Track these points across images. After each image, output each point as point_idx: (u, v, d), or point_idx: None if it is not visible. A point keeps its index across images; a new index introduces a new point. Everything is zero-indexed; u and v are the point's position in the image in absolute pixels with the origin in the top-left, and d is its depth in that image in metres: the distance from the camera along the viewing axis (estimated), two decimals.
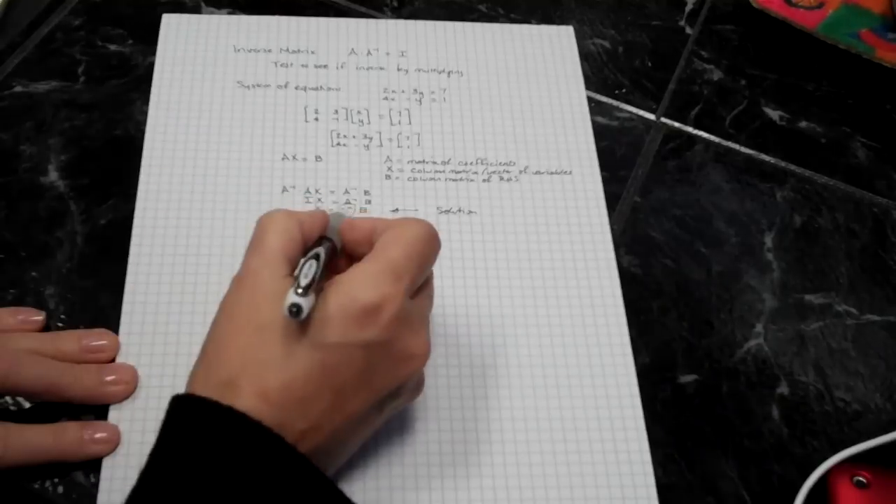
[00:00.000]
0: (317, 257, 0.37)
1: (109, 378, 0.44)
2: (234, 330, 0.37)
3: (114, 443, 0.43)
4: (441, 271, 0.51)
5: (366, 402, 0.38)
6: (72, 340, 0.44)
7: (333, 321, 0.36)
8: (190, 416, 0.35)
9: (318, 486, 0.35)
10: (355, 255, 0.40)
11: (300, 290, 0.34)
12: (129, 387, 0.44)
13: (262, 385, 0.35)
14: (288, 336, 0.36)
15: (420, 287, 0.40)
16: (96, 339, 0.45)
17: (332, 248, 0.39)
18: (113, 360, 0.45)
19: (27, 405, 0.44)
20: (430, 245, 0.39)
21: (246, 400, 0.35)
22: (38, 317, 0.46)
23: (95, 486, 0.42)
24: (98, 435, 0.42)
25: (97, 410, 0.44)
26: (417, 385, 0.42)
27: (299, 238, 0.39)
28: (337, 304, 0.36)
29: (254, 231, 0.40)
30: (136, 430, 0.43)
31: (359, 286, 0.36)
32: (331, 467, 0.40)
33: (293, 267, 0.38)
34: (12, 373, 0.41)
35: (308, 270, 0.36)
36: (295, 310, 0.34)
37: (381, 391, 0.38)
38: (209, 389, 0.35)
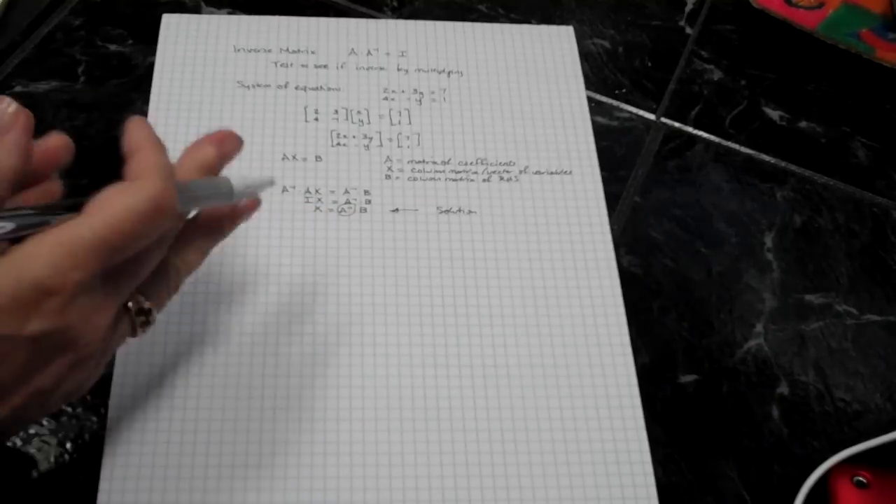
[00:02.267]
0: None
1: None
2: None
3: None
4: (441, 271, 0.51)
5: (32, 399, 0.32)
6: None
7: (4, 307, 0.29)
8: None
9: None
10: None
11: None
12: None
13: None
14: None
15: (125, 269, 0.33)
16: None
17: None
18: None
19: None
20: (145, 222, 0.32)
21: None
22: None
23: (95, 486, 0.42)
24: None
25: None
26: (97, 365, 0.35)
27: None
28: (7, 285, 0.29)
29: None
30: (135, 429, 0.43)
31: (30, 261, 0.30)
32: (11, 430, 0.34)
33: None
34: None
35: None
36: None
37: (52, 390, 0.33)
38: None
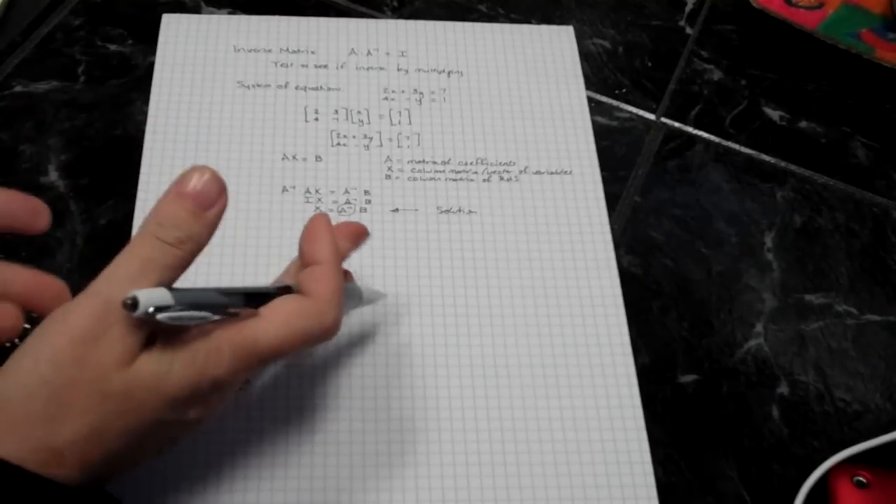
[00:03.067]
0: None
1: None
2: (77, 386, 0.31)
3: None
4: (441, 271, 0.51)
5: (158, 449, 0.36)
6: None
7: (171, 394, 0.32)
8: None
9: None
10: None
11: (156, 297, 0.30)
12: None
13: (89, 456, 0.31)
14: (132, 409, 0.31)
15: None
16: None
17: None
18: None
19: None
20: (312, 344, 0.35)
21: (68, 471, 0.30)
22: None
23: None
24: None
25: None
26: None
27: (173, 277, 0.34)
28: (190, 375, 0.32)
29: (143, 242, 0.33)
30: None
31: (215, 361, 0.32)
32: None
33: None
34: None
35: (170, 294, 0.31)
36: (129, 303, 0.29)
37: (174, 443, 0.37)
38: (31, 450, 0.30)
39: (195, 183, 0.33)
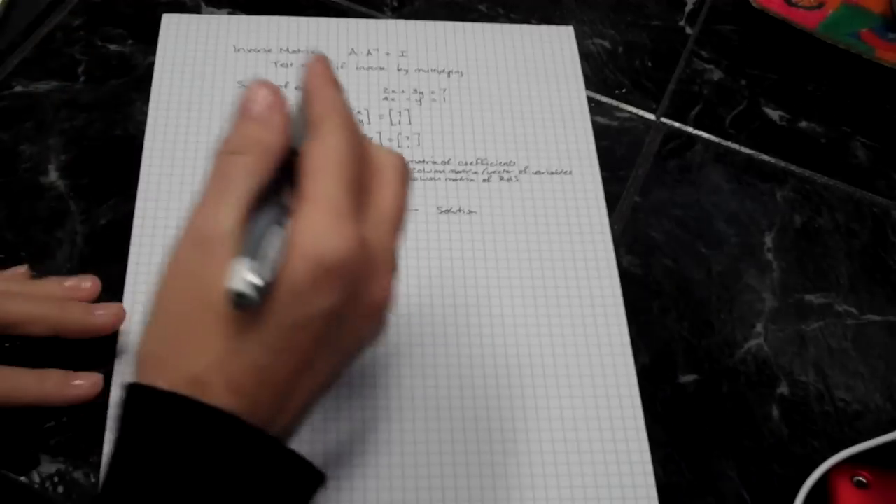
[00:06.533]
0: (280, 220, 0.30)
1: (99, 313, 0.44)
2: (196, 311, 0.31)
3: (97, 387, 0.43)
4: (441, 271, 0.51)
5: (331, 370, 0.34)
6: (54, 283, 0.45)
7: (300, 294, 0.30)
8: (159, 413, 0.31)
9: (303, 474, 0.33)
10: None
11: (253, 280, 0.28)
12: (118, 318, 0.44)
13: (232, 377, 0.31)
14: (254, 318, 0.31)
15: (375, 206, 0.34)
16: (79, 281, 0.46)
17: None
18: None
19: None
20: (357, 159, 0.33)
21: (217, 397, 0.31)
22: (21, 268, 0.46)
23: (95, 486, 0.42)
24: (79, 381, 0.43)
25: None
26: (381, 333, 0.36)
27: (269, 174, 0.33)
28: (303, 270, 0.30)
29: (210, 171, 0.33)
30: None
31: (318, 236, 0.30)
32: (292, 435, 0.36)
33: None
34: (1, 310, 0.41)
35: (271, 245, 0.29)
36: (240, 301, 0.28)
37: (347, 355, 0.34)
38: (176, 383, 0.31)
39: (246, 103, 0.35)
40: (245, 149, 0.33)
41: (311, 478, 0.33)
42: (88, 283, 0.46)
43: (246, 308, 0.29)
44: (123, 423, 0.31)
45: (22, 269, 0.46)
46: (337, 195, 0.31)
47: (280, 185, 0.32)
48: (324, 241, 0.30)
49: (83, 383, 0.43)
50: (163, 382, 0.31)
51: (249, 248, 0.29)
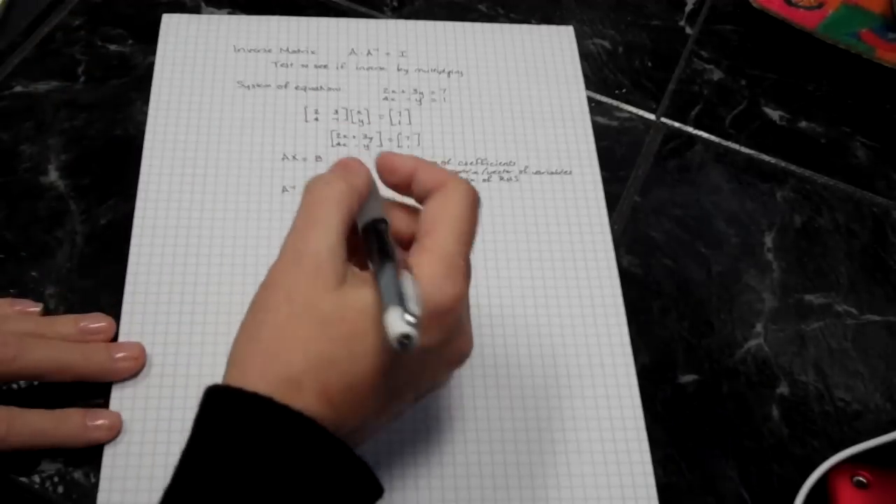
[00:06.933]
0: (393, 259, 0.33)
1: (119, 354, 0.44)
2: (296, 320, 0.33)
3: (115, 429, 0.43)
4: None
5: (411, 400, 0.37)
6: (69, 323, 0.45)
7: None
8: (248, 412, 0.32)
9: (368, 487, 0.34)
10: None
11: (410, 319, 0.30)
12: (139, 362, 0.45)
13: (326, 385, 0.33)
14: (354, 334, 0.33)
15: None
16: (93, 321, 0.45)
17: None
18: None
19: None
20: (475, 219, 0.37)
21: (308, 400, 0.32)
22: (35, 308, 0.46)
23: (95, 486, 0.42)
24: (99, 422, 0.42)
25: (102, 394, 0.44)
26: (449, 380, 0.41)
27: (356, 212, 0.36)
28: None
29: (303, 200, 0.36)
30: (135, 430, 0.43)
31: (430, 288, 0.33)
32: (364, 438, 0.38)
33: (349, 245, 0.35)
34: (21, 356, 0.41)
35: (409, 288, 0.32)
36: (406, 341, 0.30)
37: (427, 390, 0.38)
38: (269, 384, 0.32)
39: None
40: (336, 182, 0.36)
41: (373, 491, 0.35)
42: (102, 323, 0.45)
43: (408, 349, 0.30)
44: (204, 421, 0.33)
45: (35, 309, 0.46)
46: (454, 248, 0.35)
47: (384, 250, 0.35)
48: (440, 289, 0.33)
49: (103, 423, 0.43)
50: (259, 380, 0.32)
51: (391, 296, 0.32)
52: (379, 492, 0.35)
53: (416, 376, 0.36)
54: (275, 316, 0.34)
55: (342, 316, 0.33)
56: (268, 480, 0.31)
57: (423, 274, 0.34)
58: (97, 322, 0.45)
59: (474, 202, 0.37)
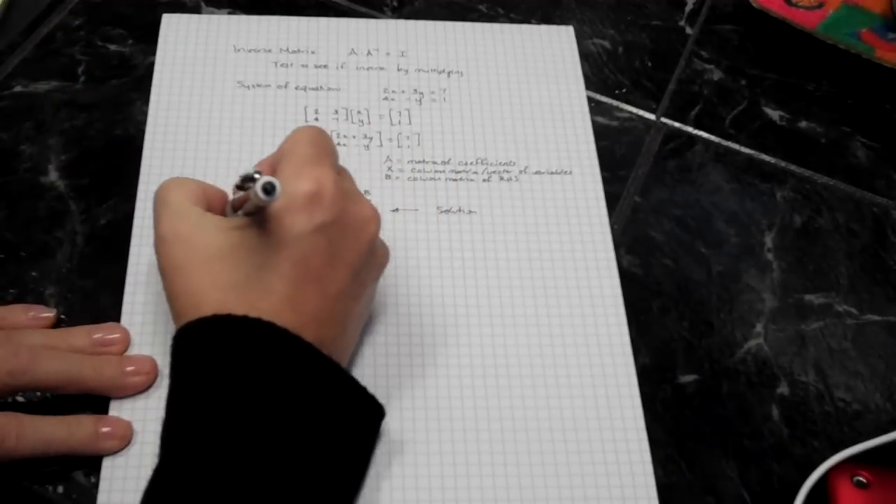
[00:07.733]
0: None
1: (130, 368, 0.44)
2: (197, 273, 0.39)
3: (126, 439, 0.43)
4: (441, 271, 0.51)
5: (344, 278, 0.40)
6: (83, 335, 0.45)
7: (284, 220, 0.38)
8: (205, 335, 0.37)
9: (336, 380, 0.40)
10: None
11: (257, 173, 0.35)
12: (150, 377, 0.44)
13: (250, 303, 0.37)
14: (250, 252, 0.38)
15: (339, 171, 0.42)
16: (107, 332, 0.45)
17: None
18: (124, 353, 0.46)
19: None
20: (322, 136, 0.42)
21: (281, 316, 0.38)
22: (49, 314, 0.46)
23: (95, 486, 0.42)
24: (109, 429, 0.42)
25: (102, 406, 0.44)
26: (383, 249, 0.44)
27: (199, 190, 0.42)
28: (281, 206, 0.38)
29: (154, 204, 0.42)
30: (136, 430, 0.43)
31: (291, 182, 0.38)
32: (342, 354, 0.43)
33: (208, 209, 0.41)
34: (31, 369, 0.41)
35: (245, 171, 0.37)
36: (270, 187, 0.35)
37: (353, 263, 0.41)
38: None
39: None
40: (176, 178, 0.44)
41: (374, 410, 0.40)
42: (115, 335, 0.45)
43: (273, 195, 0.35)
44: (176, 356, 0.38)
45: (49, 315, 0.46)
46: (305, 151, 0.40)
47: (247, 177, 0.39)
48: (297, 177, 0.38)
49: (114, 432, 0.42)
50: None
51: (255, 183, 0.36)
52: (380, 412, 0.41)
53: (330, 256, 0.39)
54: (181, 283, 0.39)
55: (229, 245, 0.39)
56: (270, 402, 0.36)
57: (282, 174, 0.39)
58: (112, 333, 0.45)
59: (309, 127, 0.42)
